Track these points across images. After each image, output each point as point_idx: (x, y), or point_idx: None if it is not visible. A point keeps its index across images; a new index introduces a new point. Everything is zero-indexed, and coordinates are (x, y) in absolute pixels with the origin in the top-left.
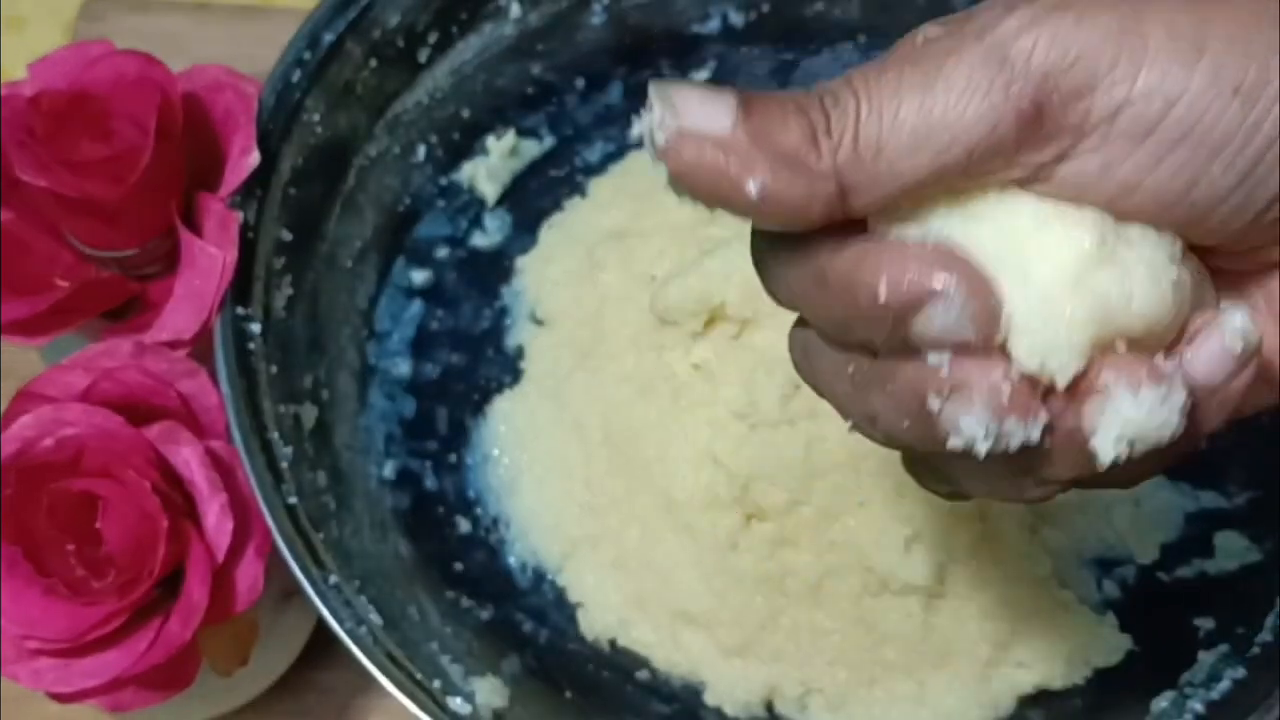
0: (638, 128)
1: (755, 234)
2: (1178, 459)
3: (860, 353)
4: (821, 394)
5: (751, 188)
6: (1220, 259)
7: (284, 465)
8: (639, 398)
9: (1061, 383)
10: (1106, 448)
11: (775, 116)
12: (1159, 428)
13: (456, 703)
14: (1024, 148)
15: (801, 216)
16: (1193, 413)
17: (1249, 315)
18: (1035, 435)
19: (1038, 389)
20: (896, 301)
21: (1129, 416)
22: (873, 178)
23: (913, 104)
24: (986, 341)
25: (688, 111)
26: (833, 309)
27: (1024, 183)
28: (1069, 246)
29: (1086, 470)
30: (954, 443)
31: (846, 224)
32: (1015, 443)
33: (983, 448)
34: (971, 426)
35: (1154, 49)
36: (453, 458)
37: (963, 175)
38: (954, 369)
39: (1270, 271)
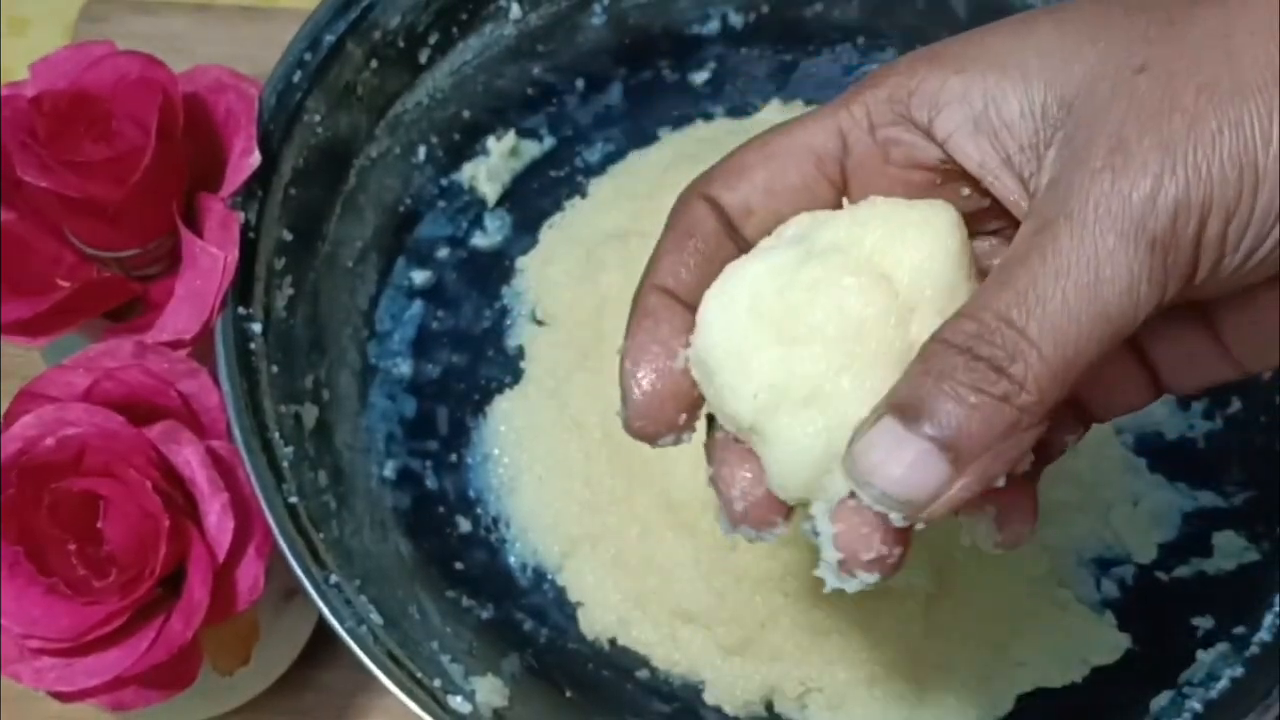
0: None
1: None
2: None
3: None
4: None
5: (1000, 483)
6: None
7: (285, 465)
8: None
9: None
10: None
11: (976, 429)
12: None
13: (457, 701)
14: (1182, 293)
15: (1031, 439)
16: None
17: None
18: (766, 540)
19: (774, 507)
20: (620, 363)
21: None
22: (1065, 380)
23: (1087, 314)
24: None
25: (898, 487)
26: None
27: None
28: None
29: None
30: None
31: None
32: (770, 539)
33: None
34: (724, 524)
35: (1264, 167)
36: (453, 457)
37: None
38: (716, 461)
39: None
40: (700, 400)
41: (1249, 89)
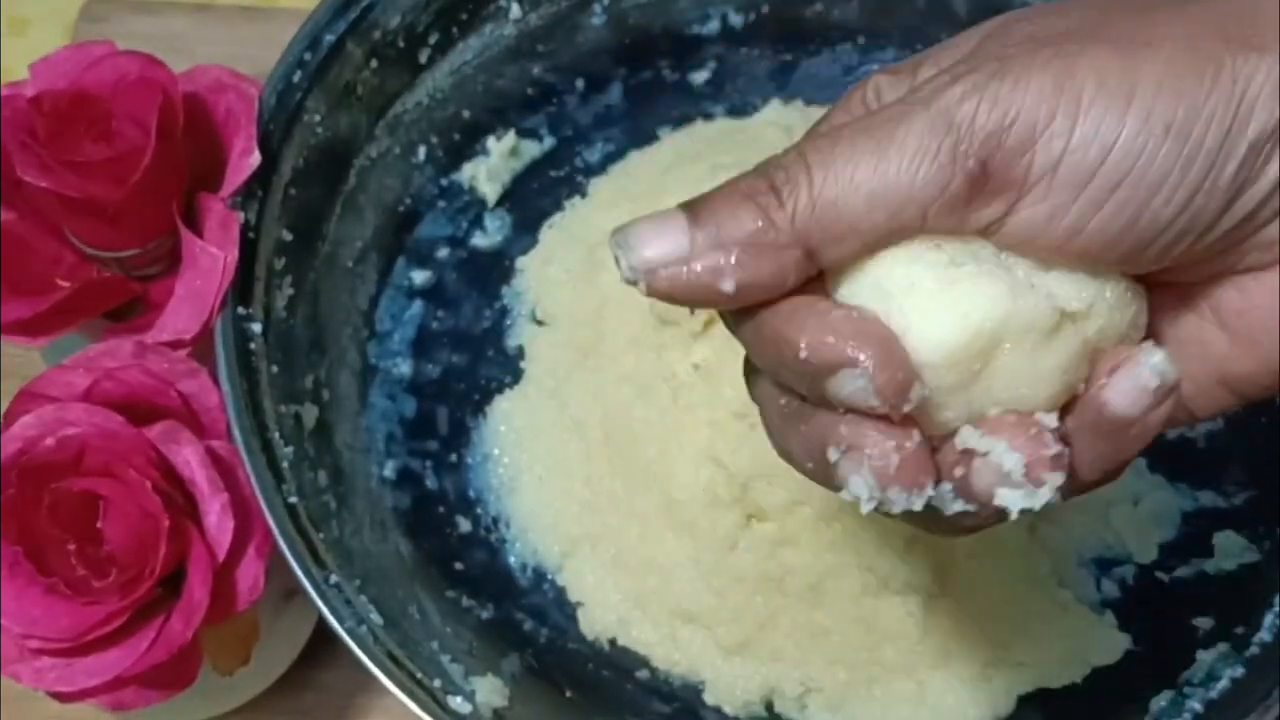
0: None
1: None
2: (1107, 481)
3: (789, 391)
4: (760, 414)
5: (727, 286)
6: (1165, 274)
7: (285, 465)
8: (639, 398)
9: (960, 444)
10: (1011, 504)
11: (724, 213)
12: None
13: (457, 702)
14: (974, 204)
15: (780, 287)
16: (1112, 442)
17: (1166, 356)
18: (918, 505)
19: (930, 458)
20: (815, 361)
21: (1012, 476)
22: (835, 237)
23: (868, 168)
24: (892, 411)
25: (645, 247)
26: (766, 355)
27: (986, 234)
28: (983, 315)
29: (995, 518)
30: (844, 495)
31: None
32: (898, 509)
33: (866, 507)
34: (859, 486)
35: (1086, 101)
36: (453, 457)
37: (920, 231)
38: (852, 429)
39: (1216, 281)
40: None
41: (1101, 39)
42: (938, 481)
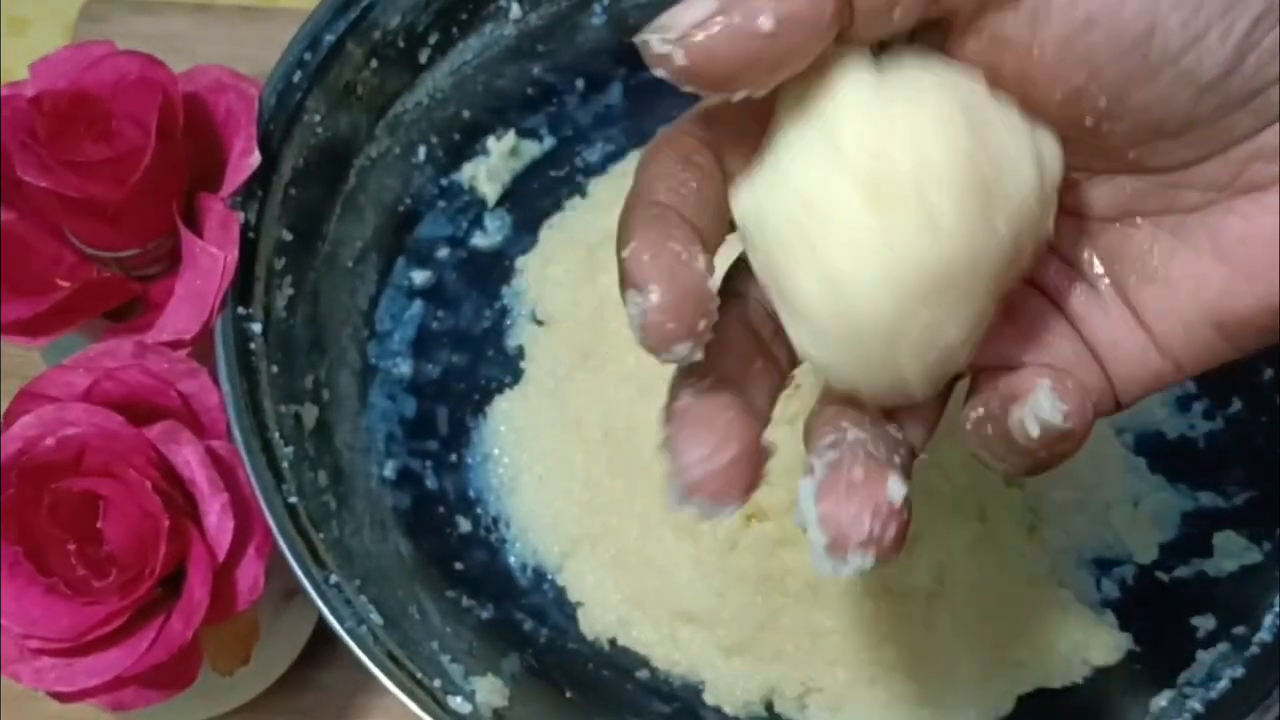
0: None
1: None
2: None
3: None
4: None
5: (766, 23)
6: (1161, 185)
7: (285, 465)
8: (639, 398)
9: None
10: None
11: None
12: None
13: (457, 702)
14: None
15: (820, 25)
16: (1022, 456)
17: (1052, 393)
18: (718, 516)
19: (740, 474)
20: (623, 268)
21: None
22: None
23: None
24: (654, 350)
25: (676, 19)
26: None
27: (995, 6)
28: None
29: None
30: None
31: None
32: (701, 515)
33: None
34: (669, 485)
35: None
36: (453, 457)
37: None
38: (674, 424)
39: (1216, 206)
40: (713, 313)
41: None
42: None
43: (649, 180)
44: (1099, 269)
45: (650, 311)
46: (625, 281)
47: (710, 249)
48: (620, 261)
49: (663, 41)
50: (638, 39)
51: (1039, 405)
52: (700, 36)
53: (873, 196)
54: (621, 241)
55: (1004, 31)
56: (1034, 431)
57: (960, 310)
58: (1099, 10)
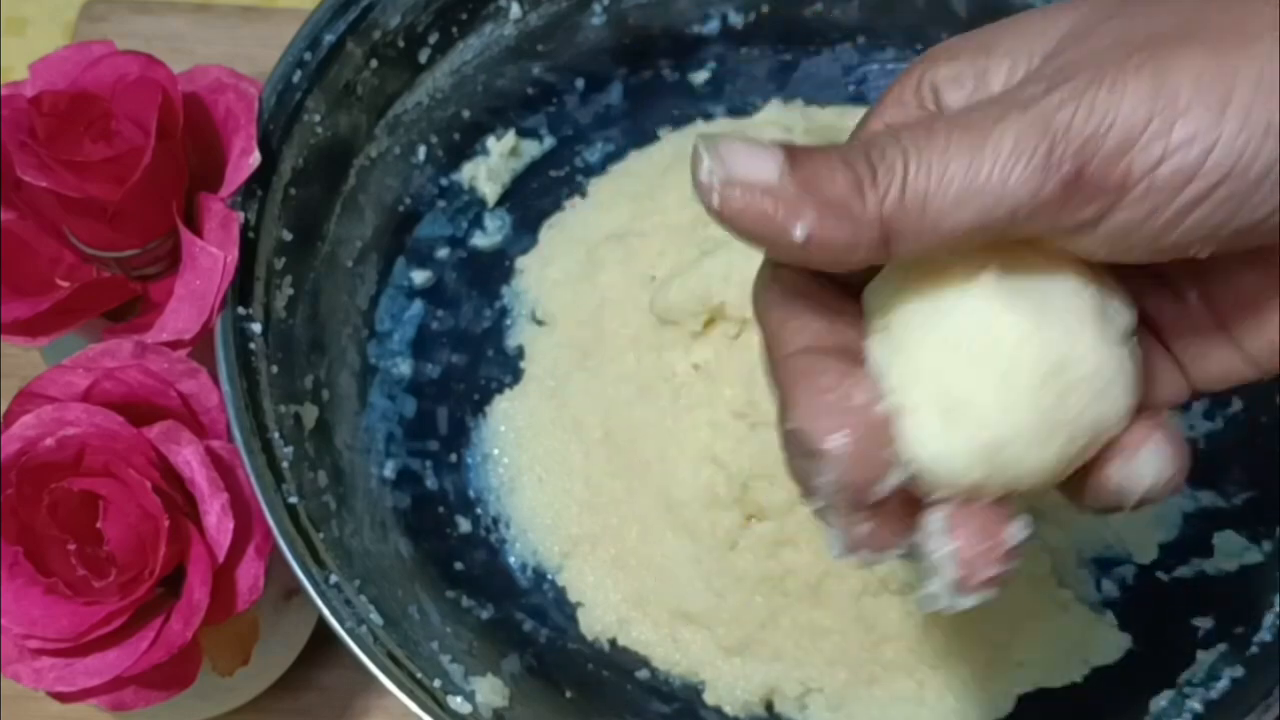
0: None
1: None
2: None
3: None
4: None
5: (799, 232)
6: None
7: (285, 465)
8: (639, 398)
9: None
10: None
11: (822, 168)
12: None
13: (457, 702)
14: (1067, 208)
15: (845, 259)
16: None
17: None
18: (882, 561)
19: (901, 520)
20: (796, 439)
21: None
22: (918, 230)
23: (961, 164)
24: (855, 506)
25: (735, 163)
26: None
27: (1071, 235)
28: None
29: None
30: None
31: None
32: (864, 562)
33: (835, 554)
34: (830, 537)
35: (1184, 103)
36: (453, 457)
37: (1006, 233)
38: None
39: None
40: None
41: (1194, 39)
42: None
43: (774, 328)
44: (1190, 283)
45: (843, 472)
46: (798, 453)
47: (859, 363)
48: (789, 432)
49: (709, 171)
50: (701, 137)
51: (1141, 471)
52: (739, 198)
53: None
54: (784, 406)
55: (1083, 247)
56: (1132, 497)
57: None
58: (1178, 216)
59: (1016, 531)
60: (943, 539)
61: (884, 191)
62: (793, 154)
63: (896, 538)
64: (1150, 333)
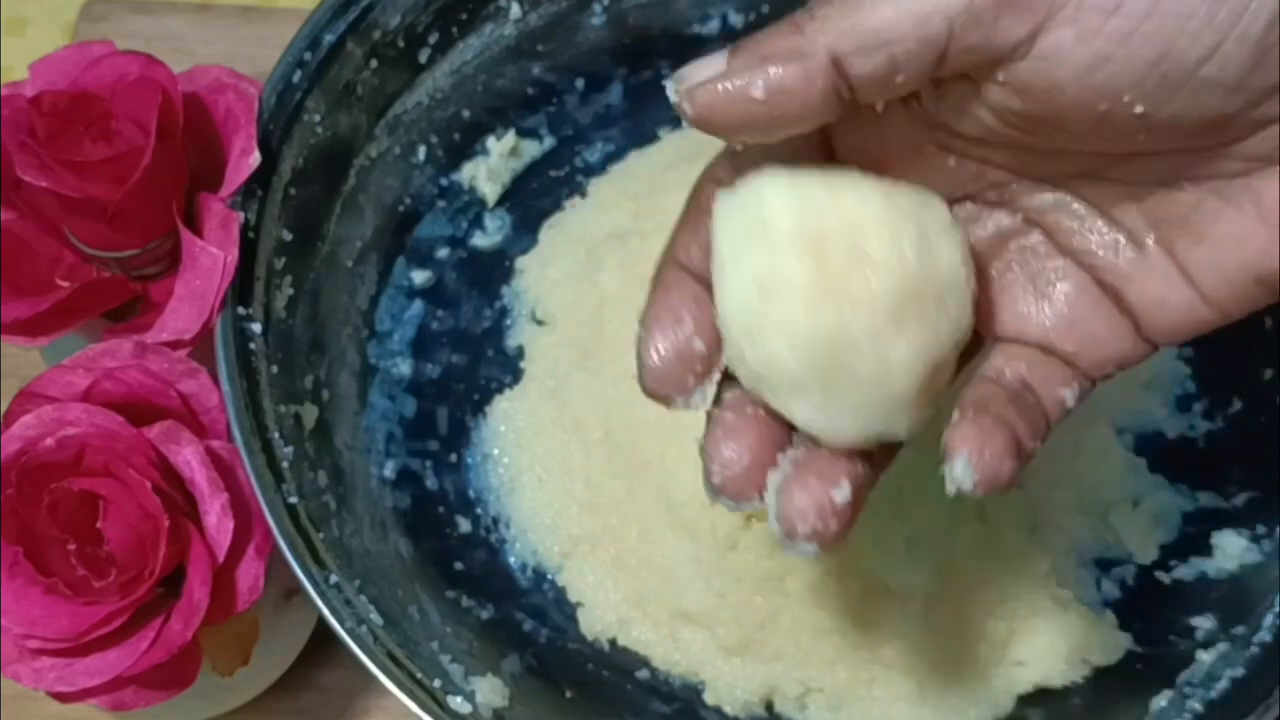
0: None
1: None
2: None
3: None
4: None
5: (757, 91)
6: (1206, 157)
7: (285, 465)
8: (639, 398)
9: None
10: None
11: (760, 35)
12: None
13: (457, 702)
14: (1002, 18)
15: (810, 105)
16: None
17: (968, 464)
18: (748, 509)
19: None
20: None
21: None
22: (861, 46)
23: None
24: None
25: (690, 73)
26: None
27: (1006, 60)
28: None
29: None
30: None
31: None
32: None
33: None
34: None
35: None
36: (453, 457)
37: (947, 53)
38: (710, 428)
39: (1257, 170)
40: (709, 366)
41: None
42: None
43: (675, 234)
44: (1146, 230)
45: (644, 382)
46: (637, 347)
47: None
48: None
49: (675, 91)
50: (667, 84)
51: (954, 472)
52: (703, 94)
53: (814, 261)
54: (646, 304)
55: (1021, 79)
56: (950, 490)
57: (926, 326)
58: (1107, 45)
59: (840, 493)
60: (772, 495)
61: (822, 19)
62: (736, 43)
63: (752, 490)
64: (1105, 292)
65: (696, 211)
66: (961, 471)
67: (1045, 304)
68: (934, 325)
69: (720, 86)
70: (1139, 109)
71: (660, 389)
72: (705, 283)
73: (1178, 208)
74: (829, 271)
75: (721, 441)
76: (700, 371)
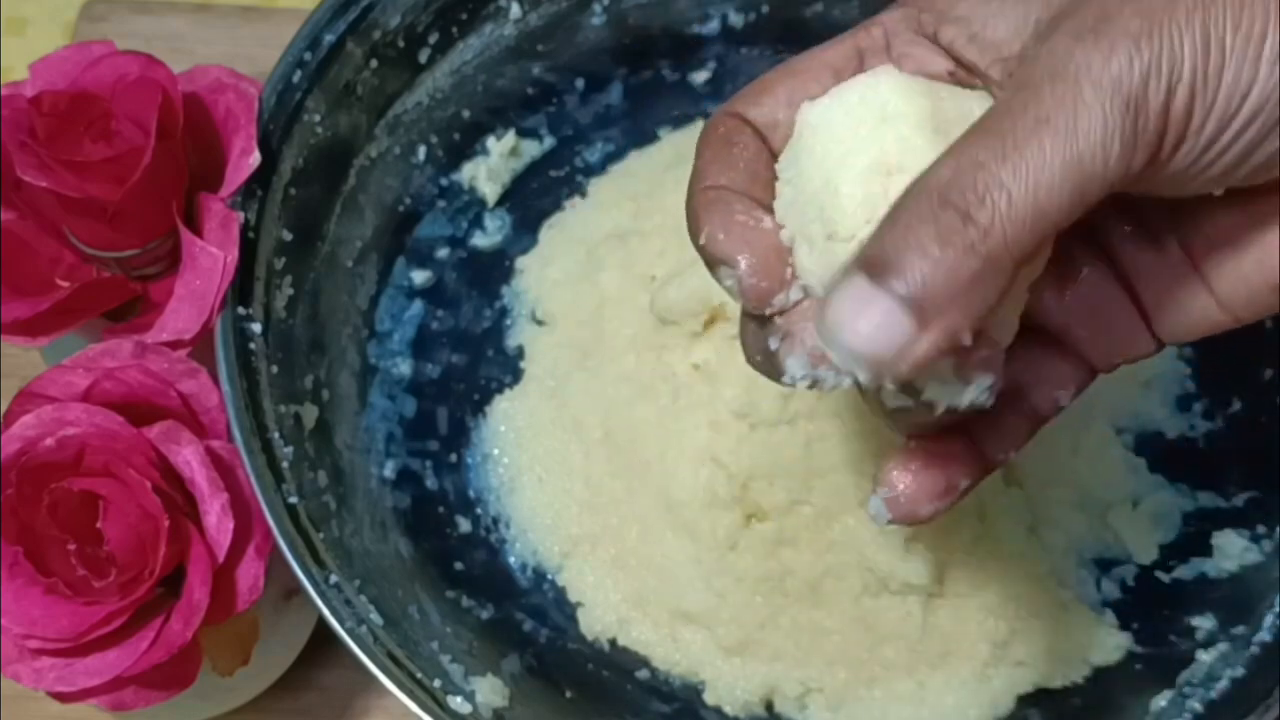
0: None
1: None
2: None
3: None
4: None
5: (967, 339)
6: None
7: (285, 465)
8: (639, 398)
9: None
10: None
11: (931, 270)
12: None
13: (457, 702)
14: (1150, 165)
15: (996, 291)
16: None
17: (882, 504)
18: (846, 383)
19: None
20: (707, 253)
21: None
22: (1035, 236)
23: (1058, 161)
24: (754, 310)
25: (860, 342)
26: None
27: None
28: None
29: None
30: (785, 380)
31: None
32: (828, 387)
33: (802, 385)
34: (794, 366)
35: (1229, 47)
36: (453, 457)
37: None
38: (787, 319)
39: None
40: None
41: None
42: None
43: (701, 167)
44: (1169, 230)
45: (744, 278)
46: (711, 263)
47: (770, 209)
48: (699, 248)
49: (849, 365)
50: (822, 339)
51: (871, 506)
52: (904, 369)
53: (943, 139)
54: (693, 229)
55: (1143, 186)
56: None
57: None
58: (1218, 155)
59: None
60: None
61: (995, 231)
62: (913, 301)
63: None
64: (1122, 289)
65: (718, 144)
66: (875, 509)
67: (1069, 288)
68: None
69: (918, 351)
70: (1229, 184)
71: (764, 286)
72: (751, 197)
73: (1202, 213)
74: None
75: (801, 317)
76: (788, 264)
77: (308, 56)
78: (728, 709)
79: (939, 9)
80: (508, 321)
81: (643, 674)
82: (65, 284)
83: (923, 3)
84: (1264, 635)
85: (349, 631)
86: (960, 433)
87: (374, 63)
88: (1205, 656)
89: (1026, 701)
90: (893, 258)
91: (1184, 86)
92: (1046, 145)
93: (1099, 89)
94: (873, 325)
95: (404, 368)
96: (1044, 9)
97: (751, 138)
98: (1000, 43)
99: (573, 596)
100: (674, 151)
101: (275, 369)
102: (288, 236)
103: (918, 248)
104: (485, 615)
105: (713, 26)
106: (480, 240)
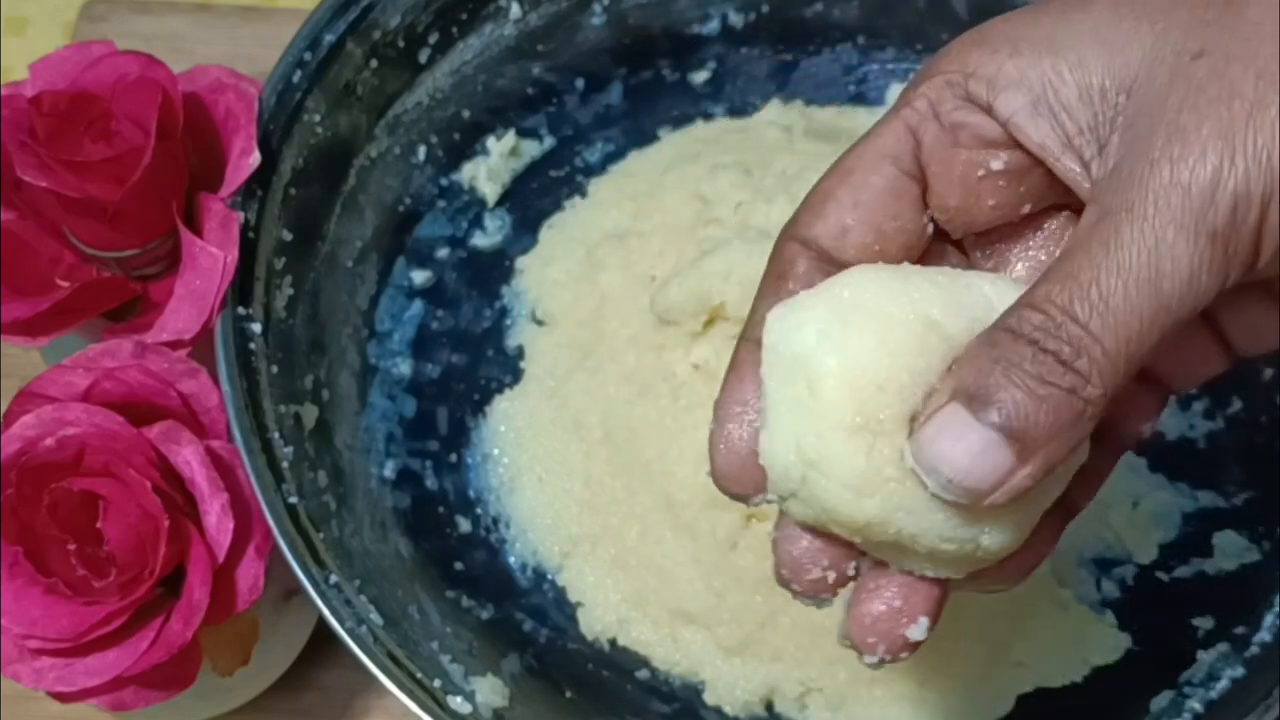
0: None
1: None
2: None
3: None
4: None
5: (1060, 469)
6: None
7: (285, 465)
8: (639, 398)
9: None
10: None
11: (1040, 418)
12: None
13: (457, 702)
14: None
15: (1093, 426)
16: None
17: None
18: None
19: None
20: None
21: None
22: (1128, 372)
23: (1149, 300)
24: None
25: (964, 477)
26: None
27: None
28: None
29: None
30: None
31: None
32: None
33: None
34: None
35: None
36: (453, 457)
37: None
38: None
39: None
40: None
41: None
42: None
43: (756, 305)
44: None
45: (716, 478)
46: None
47: None
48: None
49: (948, 490)
50: (919, 468)
51: (842, 629)
52: (1000, 496)
53: (863, 444)
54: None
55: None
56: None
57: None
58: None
59: (917, 630)
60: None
61: (1094, 379)
62: (1014, 435)
63: (825, 592)
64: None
65: (777, 275)
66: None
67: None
68: None
69: (1019, 482)
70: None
71: (730, 487)
72: None
73: None
74: (878, 460)
75: (799, 539)
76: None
77: (308, 56)
78: (728, 709)
79: (985, 76)
80: (508, 321)
81: (643, 674)
82: (65, 284)
83: (967, 67)
84: (1264, 635)
85: (349, 631)
86: None
87: (374, 63)
88: (1205, 656)
89: (1026, 701)
90: (994, 392)
91: (1259, 201)
92: (1132, 293)
93: (1182, 227)
94: (973, 456)
95: (404, 368)
96: (1105, 75)
97: (808, 269)
98: (1070, 108)
99: (573, 596)
100: (674, 151)
101: (275, 369)
102: (288, 236)
103: (1021, 386)
104: (485, 615)
105: (713, 26)
106: (480, 240)
